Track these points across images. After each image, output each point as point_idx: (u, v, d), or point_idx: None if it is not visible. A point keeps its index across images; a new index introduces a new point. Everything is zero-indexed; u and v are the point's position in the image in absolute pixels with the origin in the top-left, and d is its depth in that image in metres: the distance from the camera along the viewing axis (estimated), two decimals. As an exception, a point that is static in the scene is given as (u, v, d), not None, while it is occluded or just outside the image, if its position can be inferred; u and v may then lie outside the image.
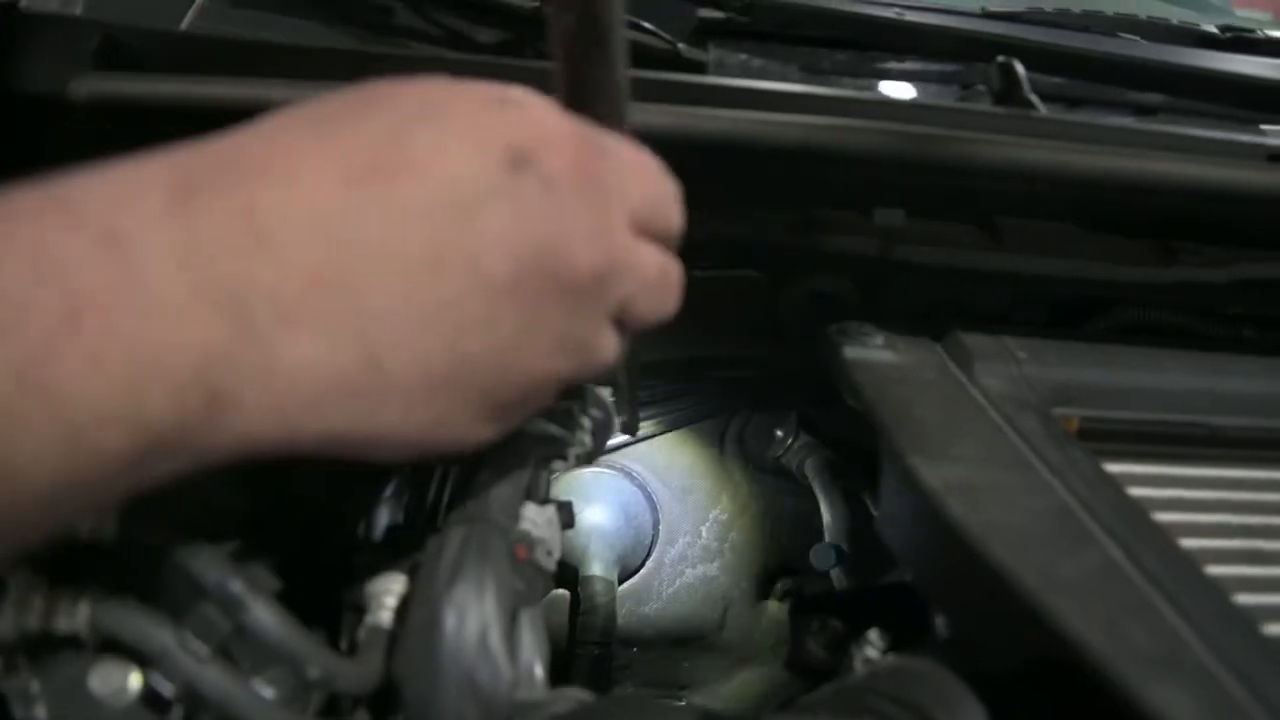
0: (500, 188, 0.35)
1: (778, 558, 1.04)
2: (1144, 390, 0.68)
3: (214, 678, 0.40)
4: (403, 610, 0.48)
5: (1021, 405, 0.62)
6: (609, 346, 0.41)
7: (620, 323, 0.41)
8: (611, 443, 0.93)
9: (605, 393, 0.62)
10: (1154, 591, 0.46)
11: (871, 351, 0.67)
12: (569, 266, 0.36)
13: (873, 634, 0.53)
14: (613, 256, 0.38)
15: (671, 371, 0.90)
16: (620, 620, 0.96)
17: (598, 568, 0.96)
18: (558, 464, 0.58)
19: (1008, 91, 0.63)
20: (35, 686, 0.40)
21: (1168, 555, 0.49)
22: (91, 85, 0.59)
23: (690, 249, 0.42)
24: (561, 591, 0.98)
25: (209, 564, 0.41)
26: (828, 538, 0.94)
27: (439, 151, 0.34)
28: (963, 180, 0.61)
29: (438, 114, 0.35)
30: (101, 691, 0.41)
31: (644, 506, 1.01)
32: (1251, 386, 0.68)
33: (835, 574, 0.93)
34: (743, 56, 0.78)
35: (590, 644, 0.92)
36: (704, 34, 0.80)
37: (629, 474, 1.01)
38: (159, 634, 0.40)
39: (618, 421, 0.62)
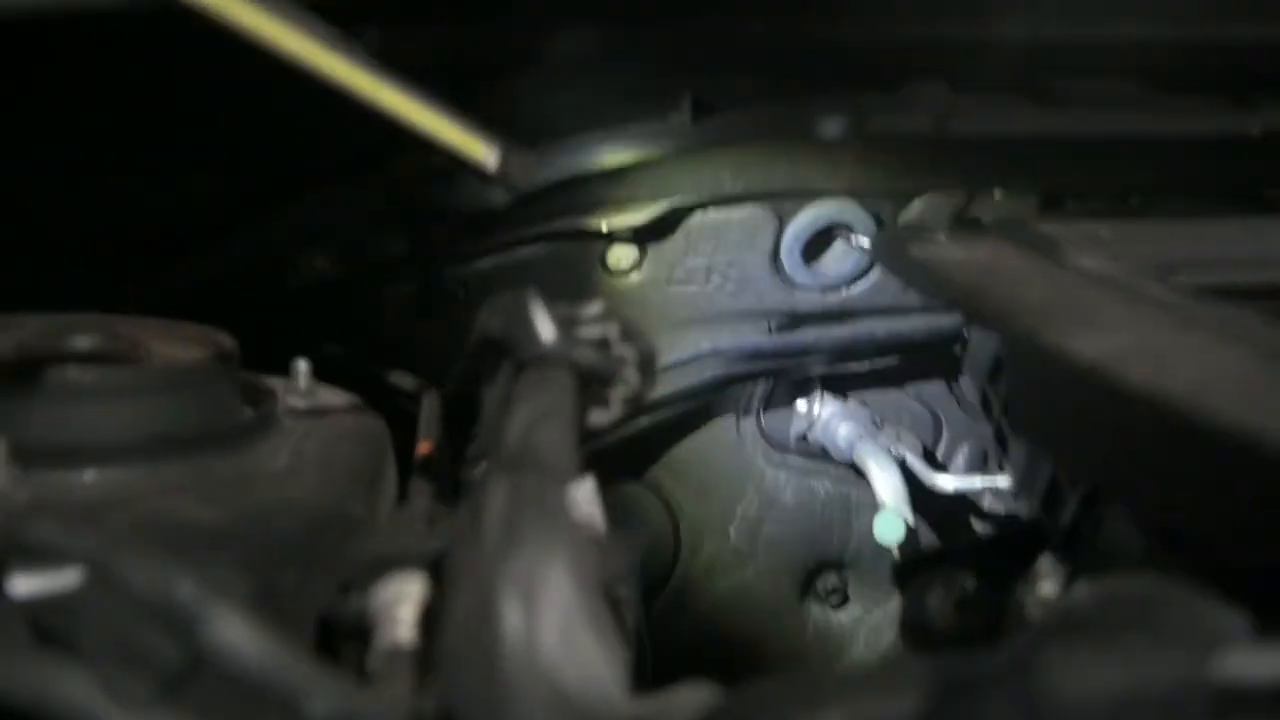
0: None
1: (817, 552, 0.90)
2: (1254, 258, 0.58)
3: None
4: (431, 620, 0.34)
5: (1135, 279, 0.51)
6: None
7: None
8: (618, 436, 0.79)
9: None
10: None
11: (940, 249, 0.56)
12: None
13: (1045, 563, 0.41)
14: None
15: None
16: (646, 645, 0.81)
17: (619, 588, 0.81)
18: (597, 414, 0.44)
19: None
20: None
21: None
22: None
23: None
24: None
25: (143, 566, 0.27)
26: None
27: None
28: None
29: None
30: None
31: (659, 511, 0.87)
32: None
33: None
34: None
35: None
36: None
37: (636, 475, 0.86)
38: (69, 682, 0.25)
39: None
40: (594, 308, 0.45)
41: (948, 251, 0.55)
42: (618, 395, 0.44)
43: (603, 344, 0.44)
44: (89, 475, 0.41)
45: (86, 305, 0.50)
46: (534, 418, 0.36)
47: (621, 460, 0.85)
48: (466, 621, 0.29)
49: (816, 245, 0.77)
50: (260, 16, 0.37)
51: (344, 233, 0.64)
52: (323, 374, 0.56)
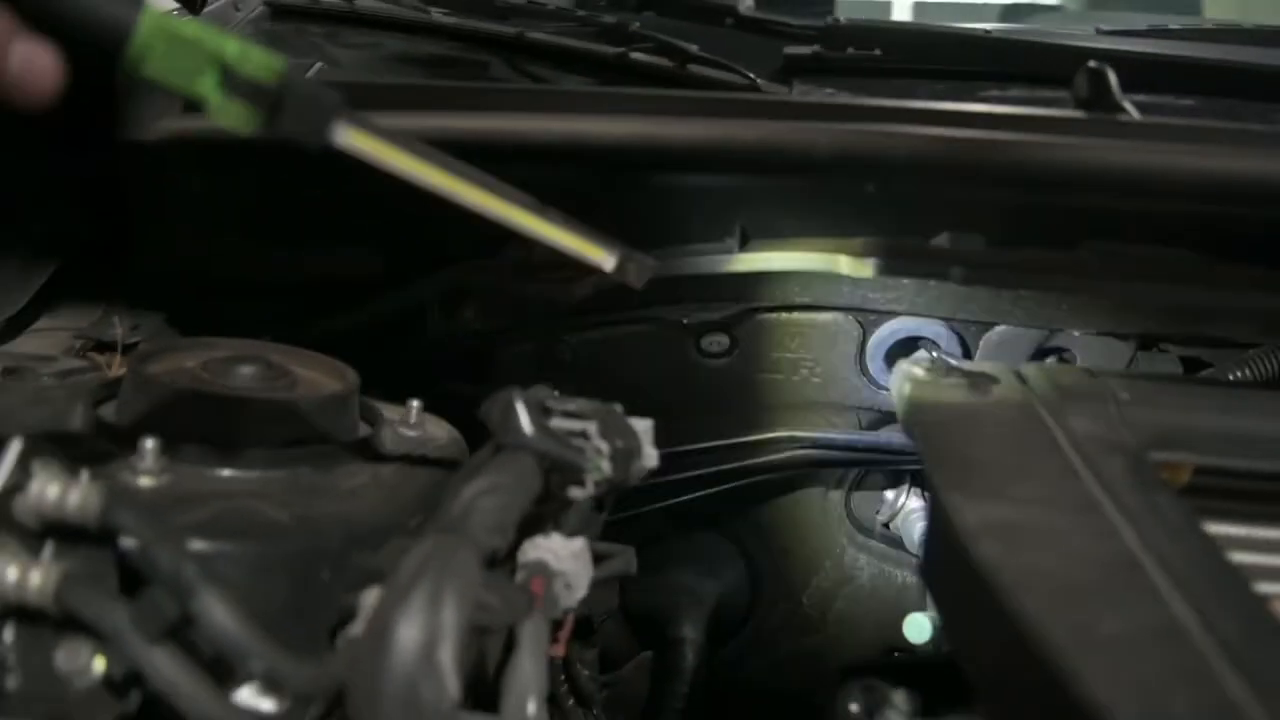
0: None
1: (887, 636, 0.94)
2: (1270, 439, 0.58)
3: (158, 662, 0.40)
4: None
5: (1110, 448, 0.54)
6: None
7: None
8: (704, 493, 0.89)
9: (642, 423, 0.59)
10: (1220, 659, 0.38)
11: (941, 389, 0.61)
12: None
13: (898, 697, 0.47)
14: None
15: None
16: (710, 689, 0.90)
17: (687, 629, 0.91)
18: (575, 490, 0.55)
19: (1095, 97, 0.56)
20: (11, 656, 0.42)
21: (1254, 625, 0.41)
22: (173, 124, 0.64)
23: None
24: (646, 653, 0.93)
25: (165, 548, 0.42)
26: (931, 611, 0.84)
27: None
28: (1039, 193, 0.55)
29: None
30: (66, 669, 0.42)
31: (739, 566, 0.96)
32: None
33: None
34: (828, 91, 0.75)
35: (671, 711, 0.86)
36: (789, 71, 0.78)
37: (723, 529, 0.95)
38: (113, 612, 0.41)
39: (652, 453, 0.58)
40: (584, 405, 0.56)
41: (943, 391, 0.60)
42: (591, 478, 0.55)
43: (580, 436, 0.55)
44: (221, 472, 0.58)
45: (270, 335, 0.69)
46: (481, 490, 0.48)
47: (711, 516, 0.94)
48: (369, 634, 0.42)
49: (903, 350, 0.82)
50: (402, 155, 0.48)
51: (480, 294, 0.79)
52: (450, 409, 0.71)
